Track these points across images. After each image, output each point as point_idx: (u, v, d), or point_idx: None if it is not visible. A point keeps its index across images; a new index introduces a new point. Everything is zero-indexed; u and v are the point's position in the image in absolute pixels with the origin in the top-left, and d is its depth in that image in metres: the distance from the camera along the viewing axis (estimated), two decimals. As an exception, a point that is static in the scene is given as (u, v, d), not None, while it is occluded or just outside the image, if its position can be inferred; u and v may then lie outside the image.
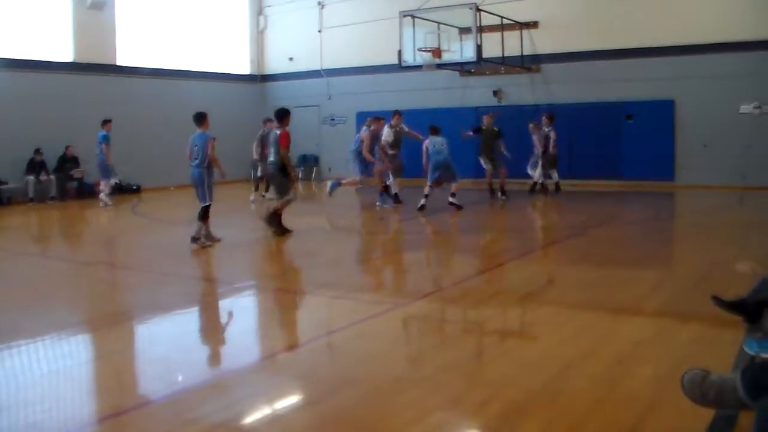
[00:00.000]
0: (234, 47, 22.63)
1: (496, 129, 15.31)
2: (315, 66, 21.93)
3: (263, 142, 14.54)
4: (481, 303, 6.53)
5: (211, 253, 9.38)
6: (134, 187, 18.69)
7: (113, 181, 15.92)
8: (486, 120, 15.58)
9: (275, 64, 23.13)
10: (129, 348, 5.56)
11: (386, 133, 14.12)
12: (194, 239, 9.54)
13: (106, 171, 15.59)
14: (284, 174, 10.36)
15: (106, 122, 15.42)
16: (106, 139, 15.26)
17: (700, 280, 7.04)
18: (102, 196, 15.51)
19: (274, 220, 10.38)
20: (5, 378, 4.69)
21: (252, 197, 15.83)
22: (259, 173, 15.93)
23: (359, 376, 4.46)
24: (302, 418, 3.93)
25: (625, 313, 5.97)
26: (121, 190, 18.21)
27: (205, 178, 9.50)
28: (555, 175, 16.22)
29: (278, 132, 10.34)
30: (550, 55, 18.13)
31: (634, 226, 11.56)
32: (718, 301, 5.09)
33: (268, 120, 14.87)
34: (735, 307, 5.03)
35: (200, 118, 9.69)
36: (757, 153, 15.77)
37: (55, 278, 8.38)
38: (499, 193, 15.25)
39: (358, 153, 14.25)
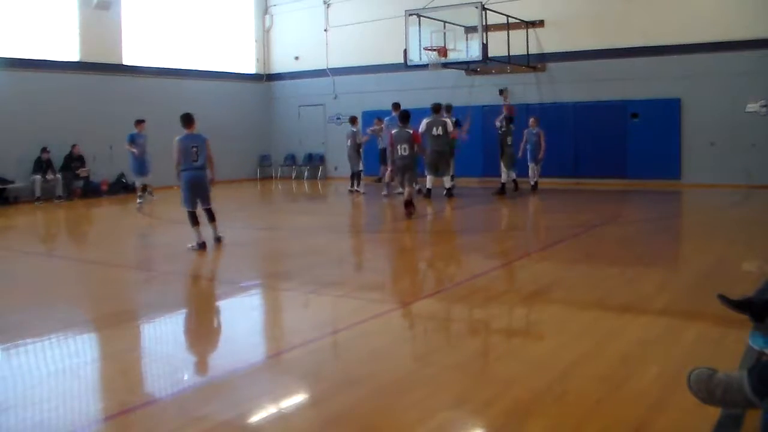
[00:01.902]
0: (240, 46, 22.67)
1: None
2: (321, 65, 21.95)
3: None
4: (487, 302, 6.52)
5: (215, 252, 9.39)
6: (140, 186, 18.71)
7: (137, 182, 16.03)
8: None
9: (281, 63, 23.16)
10: (135, 347, 5.57)
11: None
12: (218, 239, 9.64)
13: (133, 170, 16.00)
14: (416, 166, 12.38)
15: (136, 122, 15.79)
16: (129, 138, 15.60)
17: (706, 279, 7.02)
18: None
19: (410, 205, 12.15)
20: (12, 376, 4.71)
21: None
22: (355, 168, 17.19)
23: (364, 375, 4.46)
24: (307, 417, 3.93)
25: (630, 312, 5.96)
26: (126, 189, 18.28)
27: (206, 179, 9.52)
28: (506, 174, 15.99)
29: (410, 131, 12.29)
30: (555, 53, 18.12)
31: (640, 225, 11.53)
32: (725, 299, 5.09)
33: (354, 118, 17.30)
34: (741, 306, 5.02)
35: (191, 120, 9.66)
36: (763, 151, 15.72)
37: (61, 277, 8.41)
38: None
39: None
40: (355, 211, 14.79)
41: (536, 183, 16.47)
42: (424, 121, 14.73)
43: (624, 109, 17.38)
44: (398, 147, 12.23)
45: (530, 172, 16.43)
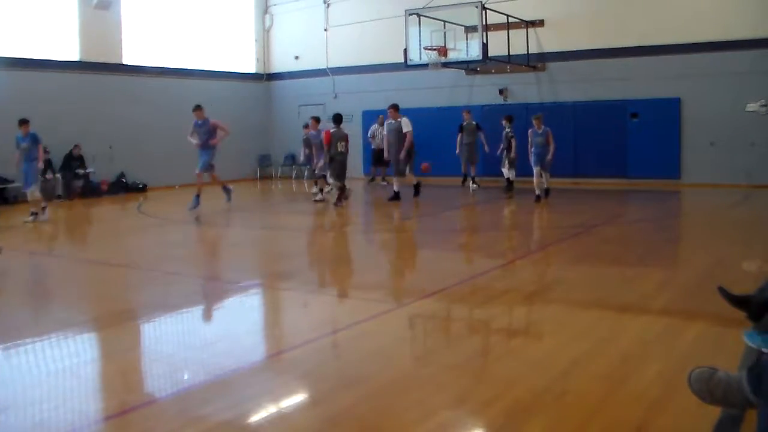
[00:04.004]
0: (240, 46, 22.67)
1: (474, 123, 16.96)
2: (321, 64, 21.94)
3: (309, 144, 15.80)
4: (486, 302, 6.52)
5: (215, 252, 9.39)
6: (140, 186, 18.74)
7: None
8: (466, 116, 17.09)
9: (281, 63, 23.16)
10: (134, 346, 5.57)
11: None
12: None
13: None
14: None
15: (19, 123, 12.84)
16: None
17: (706, 279, 7.01)
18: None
19: (342, 197, 13.90)
20: (12, 376, 4.71)
21: (315, 190, 15.93)
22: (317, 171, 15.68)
23: (364, 375, 4.46)
24: (307, 416, 3.93)
25: (630, 311, 5.96)
26: (127, 189, 18.28)
27: None
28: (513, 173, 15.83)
29: (346, 132, 14.10)
30: (555, 53, 18.12)
31: (640, 225, 11.54)
32: (724, 292, 5.07)
33: (309, 124, 15.90)
34: (739, 302, 5.01)
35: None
36: (762, 151, 15.72)
37: (60, 277, 8.40)
38: (471, 183, 17.00)
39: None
40: (354, 211, 14.78)
41: (547, 190, 14.50)
42: (407, 120, 14.52)
43: (624, 108, 17.38)
44: (338, 144, 13.75)
45: (536, 178, 14.24)
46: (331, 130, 14.01)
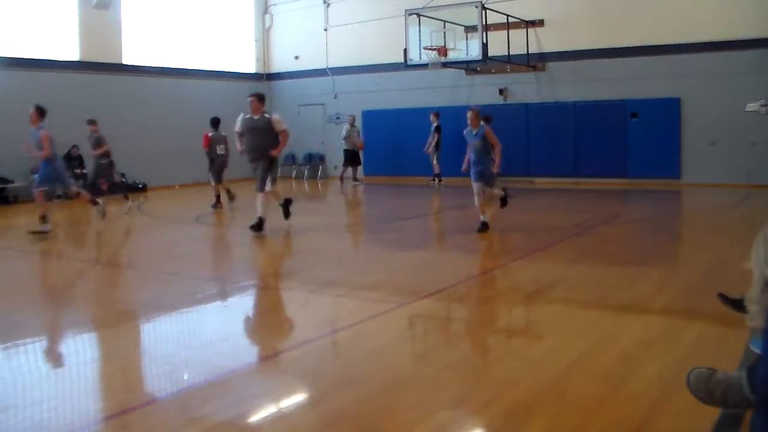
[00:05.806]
0: (240, 46, 22.66)
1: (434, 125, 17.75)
2: (320, 64, 21.93)
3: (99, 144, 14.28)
4: (486, 301, 6.53)
5: (215, 252, 9.38)
6: (140, 186, 18.73)
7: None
8: (433, 117, 17.86)
9: (281, 63, 23.15)
10: (134, 346, 5.57)
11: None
12: None
13: None
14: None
15: None
16: None
17: (706, 279, 7.02)
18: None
19: (219, 200, 14.05)
20: (12, 376, 4.70)
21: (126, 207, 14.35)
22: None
23: (363, 375, 4.46)
24: (306, 416, 3.93)
25: (630, 311, 5.96)
26: (127, 189, 18.26)
27: None
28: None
29: (224, 134, 14.10)
30: (555, 53, 18.12)
31: (640, 225, 11.54)
32: (724, 298, 5.08)
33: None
34: (740, 305, 5.01)
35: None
36: (763, 151, 15.73)
37: (60, 277, 8.40)
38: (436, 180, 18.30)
39: None
40: (355, 211, 14.79)
41: (485, 222, 10.39)
42: (280, 117, 11.50)
43: (624, 108, 17.38)
44: (217, 147, 14.00)
45: (475, 197, 10.47)
46: (210, 134, 14.06)
